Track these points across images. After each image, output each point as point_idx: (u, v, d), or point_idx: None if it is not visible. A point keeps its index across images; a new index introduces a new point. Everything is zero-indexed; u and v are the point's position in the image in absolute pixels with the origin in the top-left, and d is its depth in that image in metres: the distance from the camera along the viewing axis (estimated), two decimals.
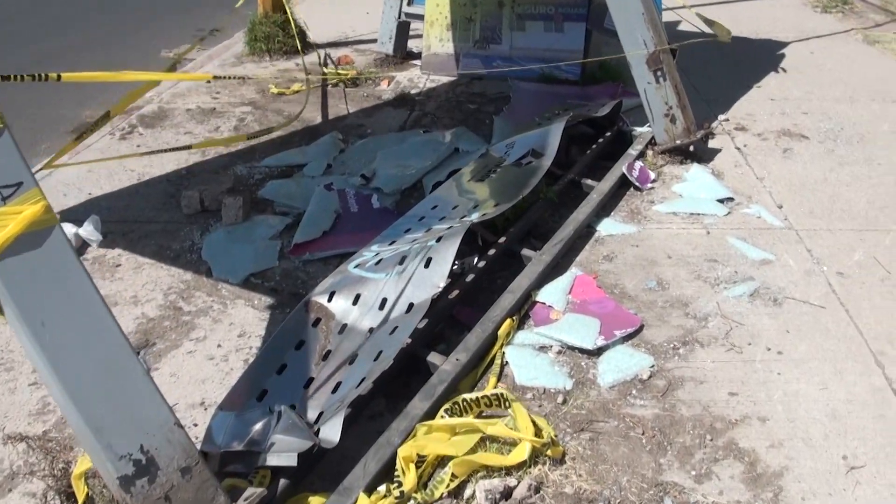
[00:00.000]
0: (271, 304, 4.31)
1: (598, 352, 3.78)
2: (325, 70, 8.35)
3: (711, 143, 6.02)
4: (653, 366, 3.71)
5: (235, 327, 4.12)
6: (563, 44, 7.67)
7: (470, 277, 4.15)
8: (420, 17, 8.48)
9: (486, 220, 4.36)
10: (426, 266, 3.82)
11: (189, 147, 5.96)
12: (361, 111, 7.30)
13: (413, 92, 7.74)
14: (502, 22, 7.93)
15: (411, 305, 3.66)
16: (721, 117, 6.71)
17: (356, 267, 3.99)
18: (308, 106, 7.26)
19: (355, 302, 3.77)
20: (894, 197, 5.31)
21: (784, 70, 8.05)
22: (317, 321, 3.72)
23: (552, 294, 4.15)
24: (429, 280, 3.75)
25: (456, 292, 4.02)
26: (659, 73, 5.66)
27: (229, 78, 7.70)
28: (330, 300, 3.81)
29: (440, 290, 3.71)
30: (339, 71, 8.25)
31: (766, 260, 4.56)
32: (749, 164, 5.79)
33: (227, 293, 4.42)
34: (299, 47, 8.62)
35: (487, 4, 7.95)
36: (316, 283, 4.29)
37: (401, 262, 3.88)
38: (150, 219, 5.25)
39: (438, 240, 3.98)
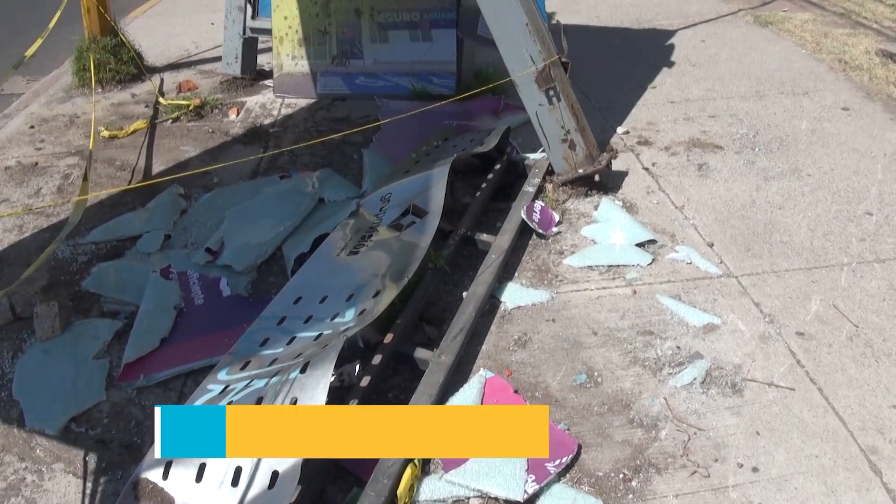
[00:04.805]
0: (99, 466, 3.23)
1: (531, 500, 2.87)
2: (162, 101, 7.17)
3: (615, 164, 5.18)
4: None
5: None
6: (433, 54, 6.71)
7: (353, 404, 3.16)
8: (268, 32, 7.38)
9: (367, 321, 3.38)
10: None
11: None
12: (206, 152, 6.17)
13: (266, 122, 6.66)
14: (362, 33, 6.92)
15: (276, 475, 2.67)
16: (620, 130, 5.89)
17: None
18: (143, 150, 6.14)
19: (199, 477, 2.75)
20: (836, 217, 4.58)
21: (677, 64, 7.29)
22: None
23: None
24: None
25: None
26: (551, 92, 4.78)
27: None
28: (166, 476, 2.78)
29: None
30: (181, 101, 7.08)
31: (711, 325, 3.74)
32: (663, 190, 4.98)
33: (43, 453, 3.31)
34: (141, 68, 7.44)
35: (343, 14, 6.92)
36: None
37: None
38: None
39: (305, 367, 2.98)
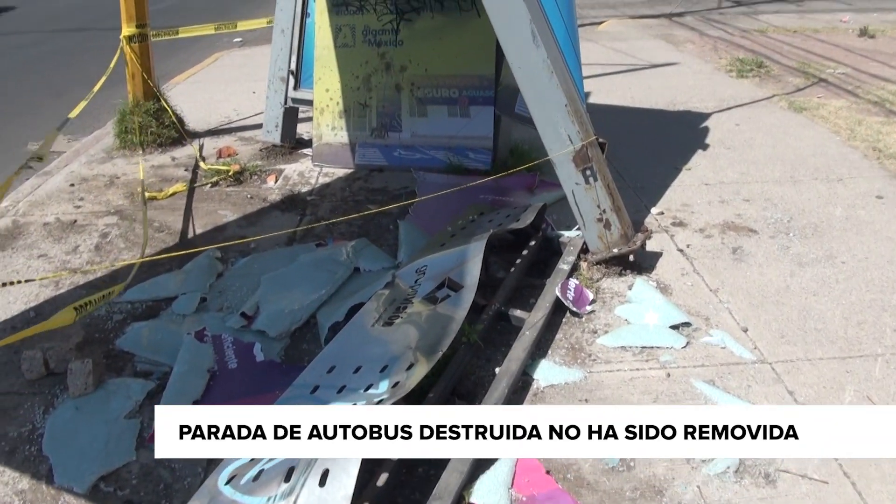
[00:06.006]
0: None
1: None
2: (202, 166, 7.32)
3: (649, 245, 5.20)
4: None
5: None
6: (471, 130, 6.83)
7: (383, 478, 3.16)
8: (309, 103, 7.56)
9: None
10: (322, 483, 2.83)
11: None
12: (244, 218, 6.28)
13: (304, 190, 6.77)
14: (401, 107, 7.06)
15: None
16: (654, 210, 5.93)
17: (228, 483, 2.97)
18: (182, 213, 6.26)
19: None
20: (870, 306, 4.56)
21: (712, 147, 7.36)
22: None
23: (491, 491, 3.20)
24: None
25: None
26: (588, 171, 4.84)
27: None
28: None
29: None
30: (220, 166, 7.22)
31: None
32: (698, 272, 4.99)
33: None
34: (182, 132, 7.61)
35: (384, 88, 7.07)
36: (183, 488, 3.28)
37: (287, 479, 2.89)
38: None
39: None
